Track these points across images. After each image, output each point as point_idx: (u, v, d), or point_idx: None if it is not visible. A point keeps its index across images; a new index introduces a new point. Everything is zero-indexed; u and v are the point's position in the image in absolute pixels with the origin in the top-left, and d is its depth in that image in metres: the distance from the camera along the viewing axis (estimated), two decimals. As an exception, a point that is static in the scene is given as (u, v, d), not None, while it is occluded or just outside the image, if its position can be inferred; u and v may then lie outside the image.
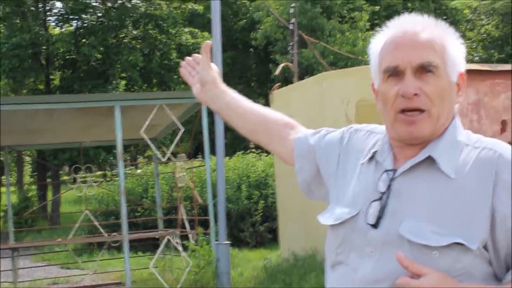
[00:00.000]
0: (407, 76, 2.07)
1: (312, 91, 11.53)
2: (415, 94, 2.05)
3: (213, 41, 11.83)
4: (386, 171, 2.13)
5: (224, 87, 2.69)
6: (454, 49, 2.16)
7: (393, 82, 2.10)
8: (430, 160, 2.09)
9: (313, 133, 2.51)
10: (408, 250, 2.00)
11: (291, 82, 15.43)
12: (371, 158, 2.22)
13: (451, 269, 1.98)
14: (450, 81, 2.12)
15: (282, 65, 15.13)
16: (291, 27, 19.35)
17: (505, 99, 9.79)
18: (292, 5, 24.82)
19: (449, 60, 2.12)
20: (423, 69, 2.07)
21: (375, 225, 2.07)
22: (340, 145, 2.38)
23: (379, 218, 2.07)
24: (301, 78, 22.46)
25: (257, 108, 2.64)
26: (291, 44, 18.98)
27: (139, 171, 23.85)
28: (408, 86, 2.05)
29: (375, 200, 2.10)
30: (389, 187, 2.10)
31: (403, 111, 2.07)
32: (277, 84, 12.45)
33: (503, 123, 9.76)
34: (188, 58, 2.78)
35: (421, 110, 2.06)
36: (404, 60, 2.08)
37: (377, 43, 2.21)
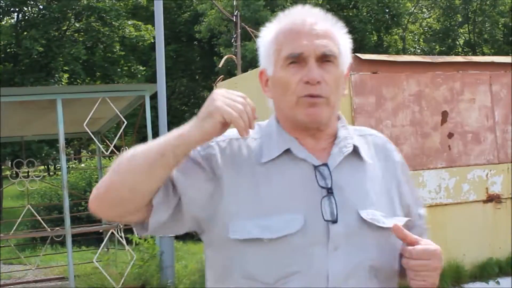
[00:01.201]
0: (311, 64, 2.13)
1: (255, 83, 11.52)
2: (318, 82, 2.11)
3: (156, 34, 11.79)
4: (318, 166, 2.14)
5: None
6: (345, 43, 2.24)
7: (294, 69, 2.14)
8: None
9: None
10: (371, 236, 2.11)
11: (235, 75, 15.47)
12: (277, 157, 2.16)
13: (399, 246, 2.14)
14: (343, 72, 2.22)
15: (225, 57, 15.14)
16: (234, 19, 19.38)
17: (445, 90, 9.95)
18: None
19: (342, 53, 2.21)
20: (324, 58, 2.14)
21: (335, 221, 2.08)
22: (215, 162, 2.18)
23: (336, 213, 2.09)
24: (245, 70, 22.47)
25: None
26: (234, 36, 19.00)
27: (82, 165, 23.64)
28: (314, 73, 2.11)
29: (324, 197, 2.10)
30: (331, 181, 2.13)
31: (305, 96, 2.12)
32: (221, 77, 12.46)
33: (444, 114, 9.92)
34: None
35: (322, 97, 2.13)
36: (309, 48, 2.13)
37: (270, 32, 2.24)
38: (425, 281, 2.08)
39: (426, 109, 9.79)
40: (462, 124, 10.04)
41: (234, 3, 21.57)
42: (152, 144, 2.06)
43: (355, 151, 2.22)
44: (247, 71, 19.71)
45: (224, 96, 2.01)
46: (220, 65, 14.30)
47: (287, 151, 2.16)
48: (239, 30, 19.39)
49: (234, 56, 16.16)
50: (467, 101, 10.12)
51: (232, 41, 19.44)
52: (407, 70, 9.72)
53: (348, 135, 2.24)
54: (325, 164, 2.15)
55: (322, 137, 2.20)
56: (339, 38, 2.22)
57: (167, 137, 2.04)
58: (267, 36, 2.24)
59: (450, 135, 9.91)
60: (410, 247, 2.08)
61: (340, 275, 2.07)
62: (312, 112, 2.12)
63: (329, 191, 2.11)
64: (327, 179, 2.12)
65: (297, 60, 2.14)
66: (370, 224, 2.11)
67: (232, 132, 2.18)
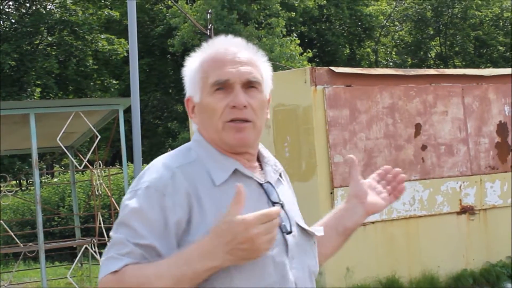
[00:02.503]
0: (237, 90, 2.24)
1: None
2: (245, 106, 2.23)
3: (130, 48, 11.75)
4: (263, 183, 2.28)
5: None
6: (266, 70, 2.38)
7: (220, 95, 2.24)
8: None
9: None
10: (308, 244, 2.33)
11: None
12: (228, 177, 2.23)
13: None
14: (266, 97, 2.35)
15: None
16: (208, 33, 19.41)
17: (418, 102, 10.01)
18: (209, 11, 24.87)
19: (264, 79, 2.34)
20: (249, 84, 2.27)
21: (290, 231, 2.24)
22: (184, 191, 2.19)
23: (290, 225, 2.26)
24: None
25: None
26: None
27: (55, 179, 23.47)
28: (241, 98, 2.22)
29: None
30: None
31: (232, 120, 2.24)
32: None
33: (417, 127, 9.98)
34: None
35: (248, 121, 2.25)
36: (234, 75, 2.24)
37: (194, 61, 2.34)
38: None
39: (399, 121, 9.84)
40: (435, 136, 10.10)
41: (208, 17, 21.60)
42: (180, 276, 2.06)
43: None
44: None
45: (264, 235, 2.03)
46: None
47: (234, 171, 2.25)
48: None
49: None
50: (440, 114, 10.18)
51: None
52: (381, 83, 9.77)
53: (269, 154, 2.41)
54: (268, 182, 2.30)
55: (252, 158, 2.33)
56: (261, 65, 2.35)
57: (192, 270, 2.05)
58: (192, 65, 2.34)
59: (424, 147, 9.96)
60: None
61: (303, 283, 2.25)
62: (240, 137, 2.24)
63: (281, 205, 2.25)
64: (273, 195, 2.27)
65: (223, 86, 2.24)
66: (306, 233, 2.33)
67: (171, 159, 2.26)
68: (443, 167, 10.10)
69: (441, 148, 10.13)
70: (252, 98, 2.25)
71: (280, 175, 2.41)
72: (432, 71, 10.84)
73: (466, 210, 10.26)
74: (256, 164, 2.34)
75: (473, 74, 10.78)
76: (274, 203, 2.24)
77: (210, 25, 20.29)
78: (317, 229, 2.40)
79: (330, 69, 9.50)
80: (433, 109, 10.14)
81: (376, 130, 9.65)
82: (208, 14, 22.46)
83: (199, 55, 2.33)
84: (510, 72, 10.94)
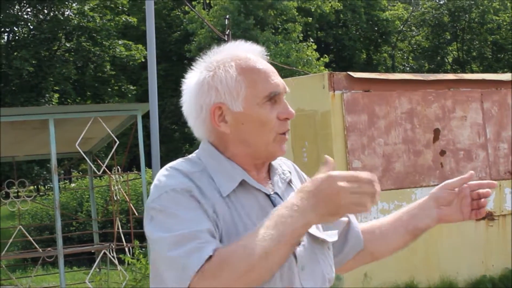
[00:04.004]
0: (284, 101, 2.26)
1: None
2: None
3: (148, 53, 11.79)
4: (270, 194, 2.24)
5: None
6: None
7: (269, 106, 2.22)
8: None
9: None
10: (320, 251, 2.28)
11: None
12: (236, 187, 2.20)
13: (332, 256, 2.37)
14: None
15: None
16: (226, 38, 19.45)
17: (437, 108, 9.98)
18: (226, 16, 24.88)
19: None
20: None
21: (299, 242, 2.17)
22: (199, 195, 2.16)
23: None
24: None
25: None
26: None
27: (73, 185, 23.56)
28: (292, 110, 2.26)
29: None
30: None
31: (284, 133, 2.25)
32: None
33: (436, 132, 9.94)
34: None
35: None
36: (282, 86, 2.26)
37: (229, 68, 2.25)
38: None
39: (418, 127, 9.81)
40: (454, 141, 10.06)
41: (226, 22, 21.66)
42: (277, 237, 1.97)
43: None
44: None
45: (350, 192, 1.97)
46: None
47: (241, 182, 2.21)
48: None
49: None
50: (459, 119, 10.14)
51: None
52: (399, 88, 9.74)
53: (279, 163, 2.39)
54: (276, 193, 2.26)
55: (263, 168, 2.31)
56: None
57: (286, 230, 1.97)
58: (225, 72, 2.24)
59: (442, 153, 9.93)
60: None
61: None
62: (284, 149, 2.26)
63: None
64: None
65: (275, 98, 2.23)
66: (318, 240, 2.27)
67: (182, 166, 2.21)
68: (462, 172, 10.02)
69: (460, 153, 10.09)
70: None
71: (291, 182, 2.37)
72: (450, 76, 10.81)
73: (485, 216, 10.20)
74: (265, 174, 2.32)
75: (492, 79, 10.73)
76: None
77: (228, 30, 20.30)
78: (331, 234, 2.35)
79: (348, 74, 9.49)
80: (452, 114, 10.10)
81: (394, 135, 9.63)
82: (226, 20, 22.46)
83: (228, 61, 2.25)
84: (529, 77, 10.89)
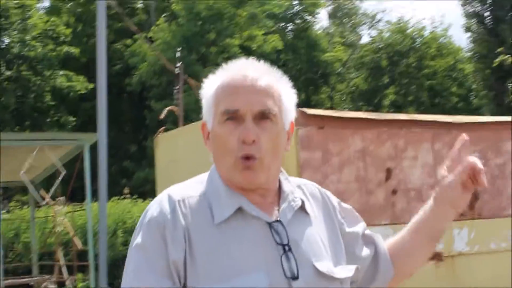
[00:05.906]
0: (247, 122, 2.08)
1: (197, 135, 11.46)
2: (254, 141, 2.06)
3: (98, 83, 11.63)
4: (271, 222, 2.10)
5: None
6: (289, 98, 2.21)
7: (231, 125, 2.09)
8: None
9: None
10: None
11: (176, 127, 15.45)
12: (229, 216, 2.08)
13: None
14: (284, 129, 2.18)
15: (167, 109, 15.08)
16: (177, 71, 19.45)
17: (390, 147, 10.03)
18: (178, 49, 24.79)
19: (284, 109, 2.18)
20: (262, 116, 2.09)
21: (296, 277, 2.05)
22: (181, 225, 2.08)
23: (297, 269, 2.07)
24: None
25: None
26: (177, 88, 18.97)
27: (7, 215, 23.01)
28: (249, 132, 2.06)
29: (283, 253, 2.07)
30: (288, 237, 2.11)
31: (244, 156, 2.07)
32: (162, 128, 12.33)
33: (388, 171, 9.99)
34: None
35: (255, 158, 2.08)
36: (245, 105, 2.08)
37: (212, 84, 2.18)
38: None
39: (370, 165, 9.84)
40: (405, 181, 10.12)
41: (177, 55, 21.62)
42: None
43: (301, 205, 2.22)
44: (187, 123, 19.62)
45: None
46: (161, 117, 14.22)
47: (238, 209, 2.09)
48: (181, 82, 19.42)
49: (175, 108, 16.15)
50: (410, 159, 10.22)
51: (175, 92, 19.48)
52: (353, 126, 9.77)
53: (292, 189, 2.23)
54: (278, 220, 2.11)
55: (267, 193, 2.16)
56: (282, 93, 2.18)
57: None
58: (208, 89, 2.18)
59: (394, 192, 9.97)
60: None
61: None
62: (247, 175, 2.08)
63: (287, 247, 2.08)
64: (282, 235, 2.09)
65: (233, 116, 2.09)
66: (326, 276, 2.11)
67: (178, 191, 2.13)
68: (413, 212, 10.07)
69: (411, 193, 10.14)
70: (264, 131, 2.08)
71: (304, 207, 2.21)
72: (403, 116, 10.88)
73: (434, 257, 10.26)
74: (273, 199, 2.17)
75: (443, 120, 10.86)
76: (278, 245, 2.06)
77: (181, 62, 20.26)
78: (347, 269, 2.23)
79: (302, 110, 9.48)
80: (404, 153, 10.17)
81: (347, 173, 9.62)
82: (178, 52, 22.43)
83: (217, 77, 2.18)
84: (479, 121, 11.06)
